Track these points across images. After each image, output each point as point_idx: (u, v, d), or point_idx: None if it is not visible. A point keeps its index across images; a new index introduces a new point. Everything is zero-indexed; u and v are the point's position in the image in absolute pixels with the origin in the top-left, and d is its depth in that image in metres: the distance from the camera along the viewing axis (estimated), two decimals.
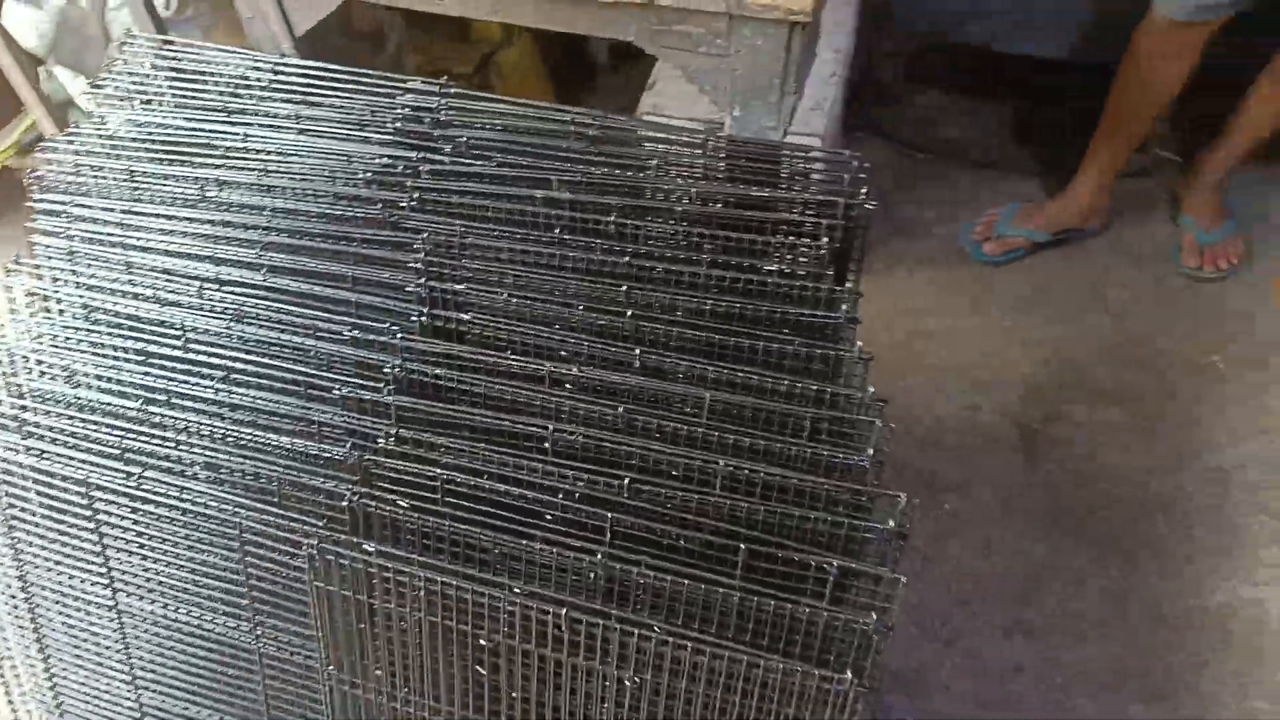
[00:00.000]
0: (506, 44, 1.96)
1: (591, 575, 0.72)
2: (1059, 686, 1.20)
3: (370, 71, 1.05)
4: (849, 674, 0.65)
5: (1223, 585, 1.28)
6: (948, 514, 1.36)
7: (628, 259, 0.89)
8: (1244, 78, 1.53)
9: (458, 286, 0.88)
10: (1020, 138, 1.89)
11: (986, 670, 1.21)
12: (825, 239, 0.91)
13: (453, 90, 1.04)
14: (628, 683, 0.69)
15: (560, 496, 0.75)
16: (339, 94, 1.04)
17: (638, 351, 0.83)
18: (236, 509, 0.78)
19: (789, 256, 0.91)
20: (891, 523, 0.71)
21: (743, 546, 0.71)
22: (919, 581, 1.29)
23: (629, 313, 0.85)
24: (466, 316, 0.87)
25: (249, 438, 0.81)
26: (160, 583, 0.86)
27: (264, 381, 0.85)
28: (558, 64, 2.00)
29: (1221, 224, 1.66)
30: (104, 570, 0.87)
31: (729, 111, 1.01)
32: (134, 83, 1.07)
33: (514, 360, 0.83)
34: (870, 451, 0.75)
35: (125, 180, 0.98)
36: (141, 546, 0.84)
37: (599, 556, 0.71)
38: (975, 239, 1.70)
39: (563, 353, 0.85)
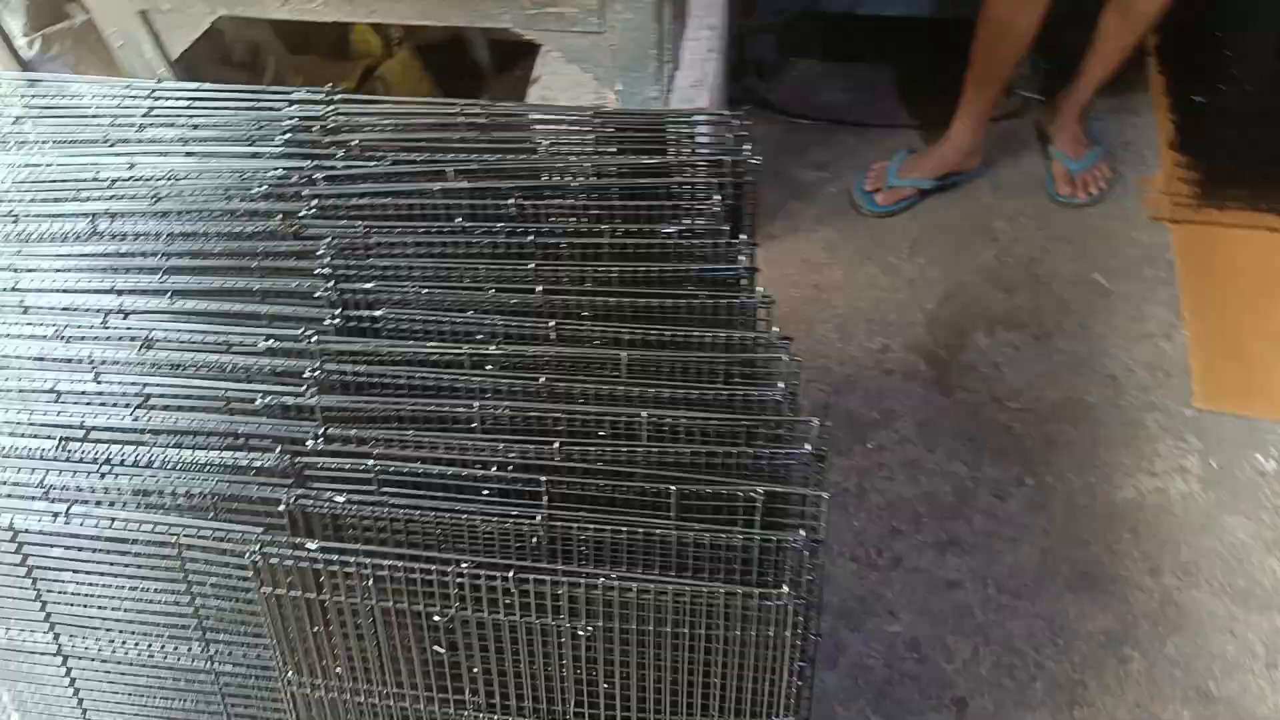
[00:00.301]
0: (387, 56, 1.96)
1: (534, 539, 0.74)
2: (996, 591, 1.27)
3: (253, 87, 1.05)
4: (785, 589, 0.68)
5: (1128, 478, 1.37)
6: (872, 450, 1.42)
7: (532, 237, 0.92)
8: (1091, 15, 1.63)
9: (367, 285, 0.89)
10: (895, 94, 1.97)
11: (928, 589, 1.28)
12: (718, 196, 0.95)
13: (338, 96, 1.05)
14: (581, 633, 0.72)
15: (494, 469, 0.77)
16: (223, 112, 1.03)
17: (552, 324, 0.85)
18: (172, 529, 0.78)
19: (685, 218, 0.94)
20: (808, 446, 0.75)
21: (673, 488, 0.74)
22: (853, 517, 1.35)
23: (539, 288, 0.88)
24: (380, 312, 0.88)
25: (176, 458, 0.81)
26: (104, 619, 0.85)
27: (184, 402, 0.84)
28: (441, 71, 2.01)
29: (1087, 152, 1.77)
30: (43, 616, 0.86)
31: (612, 86, 1.04)
32: (4, 125, 1.05)
33: (432, 347, 0.85)
34: (781, 385, 0.79)
35: (9, 222, 0.96)
36: (79, 585, 0.83)
37: (538, 518, 0.73)
38: (868, 190, 1.77)
39: (479, 335, 0.87)
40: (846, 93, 1.98)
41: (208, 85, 1.06)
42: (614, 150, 1.01)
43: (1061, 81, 1.76)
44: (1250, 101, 1.71)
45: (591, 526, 0.73)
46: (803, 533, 0.72)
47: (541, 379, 0.82)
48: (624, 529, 0.73)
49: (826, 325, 1.58)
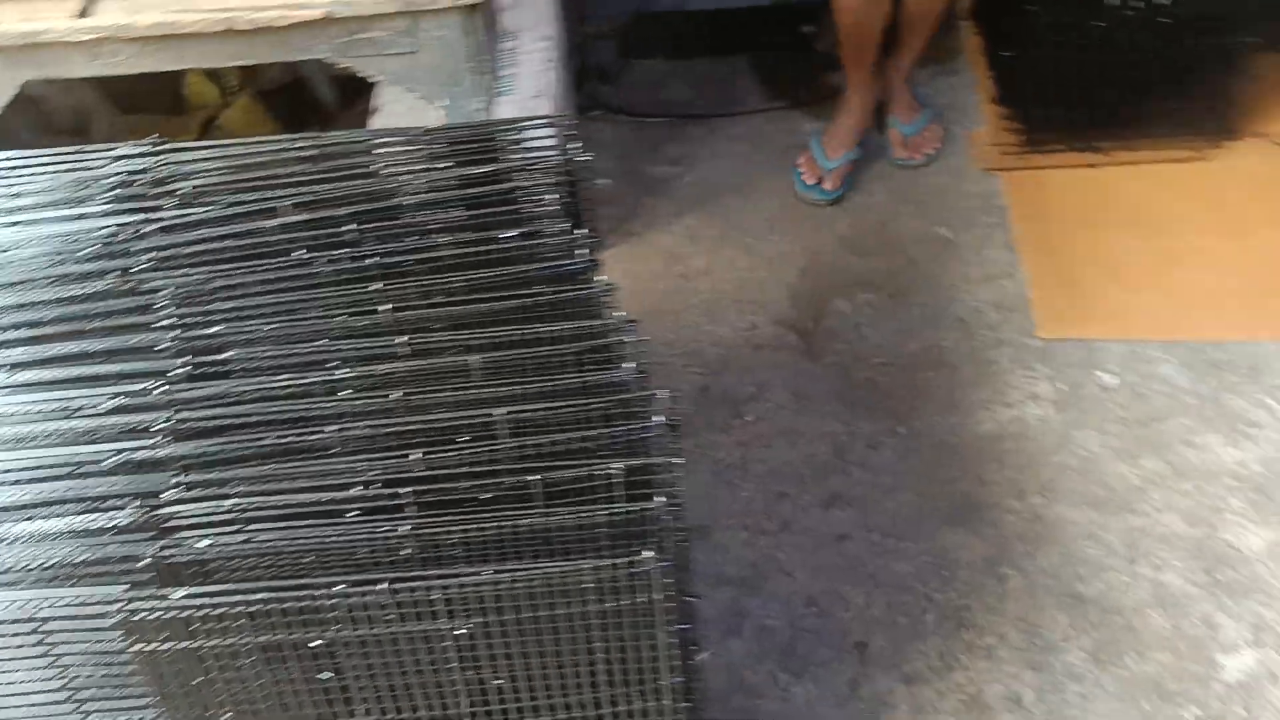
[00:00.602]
0: (225, 105, 1.93)
1: (404, 550, 0.75)
2: (881, 537, 1.33)
3: (73, 148, 1.03)
4: (649, 553, 0.71)
5: (987, 412, 1.46)
6: (751, 422, 1.47)
7: (376, 259, 0.93)
8: None
9: (213, 330, 0.89)
10: (737, 83, 2.05)
11: (818, 546, 1.33)
12: (553, 196, 0.97)
13: (164, 146, 1.03)
14: (460, 632, 0.73)
15: (359, 489, 0.77)
16: (44, 177, 1.01)
17: (402, 340, 0.86)
18: (30, 603, 0.76)
19: (524, 222, 0.97)
20: (661, 418, 0.79)
21: (536, 478, 0.76)
22: (739, 489, 1.40)
23: (388, 306, 0.89)
24: (229, 354, 0.88)
25: (27, 532, 0.79)
26: None
27: (33, 474, 0.82)
28: (285, 113, 1.98)
29: (918, 116, 1.87)
30: None
31: (437, 103, 1.06)
32: None
33: (284, 381, 0.85)
34: (630, 365, 0.83)
35: None
36: None
37: (406, 528, 0.74)
38: (813, 183, 1.81)
39: (334, 362, 0.87)
40: (691, 87, 2.05)
41: (24, 152, 1.03)
42: (450, 165, 1.03)
43: (887, 53, 1.85)
44: (1055, 53, 1.84)
45: (459, 528, 0.74)
46: (662, 498, 0.75)
47: (397, 394, 0.83)
48: (491, 525, 0.74)
49: (695, 311, 1.63)
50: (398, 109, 1.57)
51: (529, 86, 1.62)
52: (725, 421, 1.47)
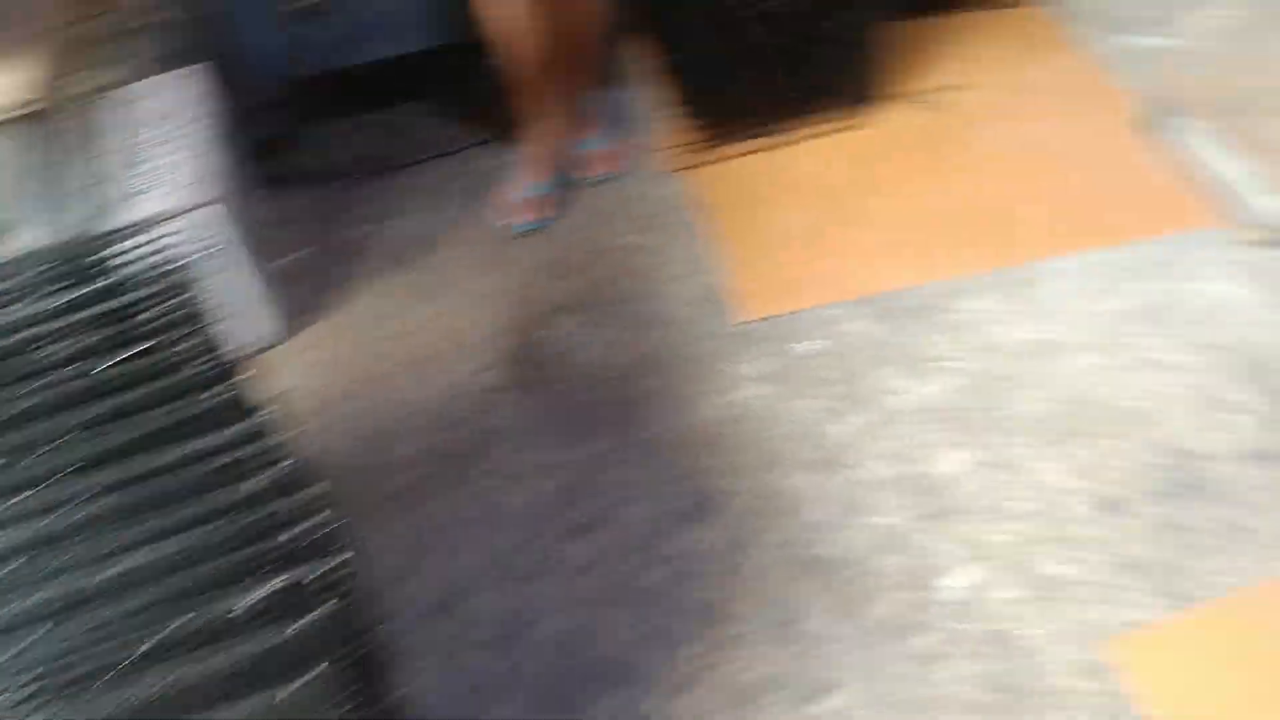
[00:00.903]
0: None
1: None
2: (626, 553, 1.35)
3: None
4: (323, 665, 0.67)
5: (704, 403, 1.52)
6: (487, 471, 1.45)
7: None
8: None
9: None
10: (422, 129, 2.02)
11: (568, 579, 1.33)
12: (178, 297, 0.90)
13: None
14: None
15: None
16: None
17: (25, 497, 0.77)
18: None
19: (150, 336, 0.89)
20: (321, 515, 0.75)
21: (187, 619, 0.70)
22: (486, 543, 1.37)
23: (27, 460, 0.80)
24: None
25: None
26: None
27: None
28: None
29: (600, 133, 1.93)
30: None
31: (32, 224, 0.96)
32: None
33: None
34: (282, 465, 0.78)
35: None
36: None
37: (40, 717, 0.66)
38: (515, 218, 1.79)
39: None
40: (376, 142, 2.00)
41: None
42: (62, 287, 0.93)
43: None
44: (716, 51, 1.94)
45: (106, 703, 0.67)
46: (332, 601, 0.71)
47: (19, 564, 0.73)
48: (145, 689, 0.67)
49: (408, 374, 1.59)
50: (21, 237, 1.41)
51: (193, 171, 1.51)
52: (460, 476, 1.44)
